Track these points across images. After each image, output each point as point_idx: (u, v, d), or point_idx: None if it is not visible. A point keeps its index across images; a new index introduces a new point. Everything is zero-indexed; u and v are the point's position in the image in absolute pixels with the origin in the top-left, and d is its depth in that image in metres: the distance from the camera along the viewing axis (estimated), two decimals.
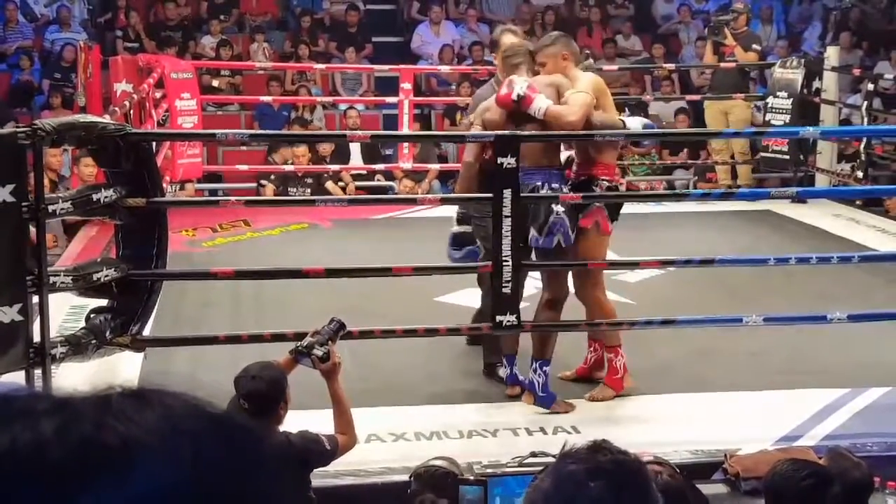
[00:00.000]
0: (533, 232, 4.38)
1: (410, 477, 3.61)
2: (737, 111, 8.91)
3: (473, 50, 11.57)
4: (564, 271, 4.60)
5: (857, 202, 8.63)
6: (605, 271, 4.93)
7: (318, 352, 3.36)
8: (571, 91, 4.46)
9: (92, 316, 4.14)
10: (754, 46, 9.03)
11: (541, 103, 4.36)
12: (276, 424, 3.19)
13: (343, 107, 10.39)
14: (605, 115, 4.55)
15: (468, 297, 5.75)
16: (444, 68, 10.69)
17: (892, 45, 12.26)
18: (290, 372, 3.41)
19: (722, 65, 10.04)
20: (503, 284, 4.27)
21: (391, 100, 9.07)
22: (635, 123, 4.91)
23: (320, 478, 3.58)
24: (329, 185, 8.93)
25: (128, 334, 4.13)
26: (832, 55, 9.16)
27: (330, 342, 3.40)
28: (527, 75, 4.58)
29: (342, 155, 9.42)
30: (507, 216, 4.21)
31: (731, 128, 8.60)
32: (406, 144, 8.90)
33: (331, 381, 3.40)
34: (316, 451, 3.30)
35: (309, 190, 8.81)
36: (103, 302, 4.20)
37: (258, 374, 3.23)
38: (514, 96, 4.40)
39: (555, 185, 4.47)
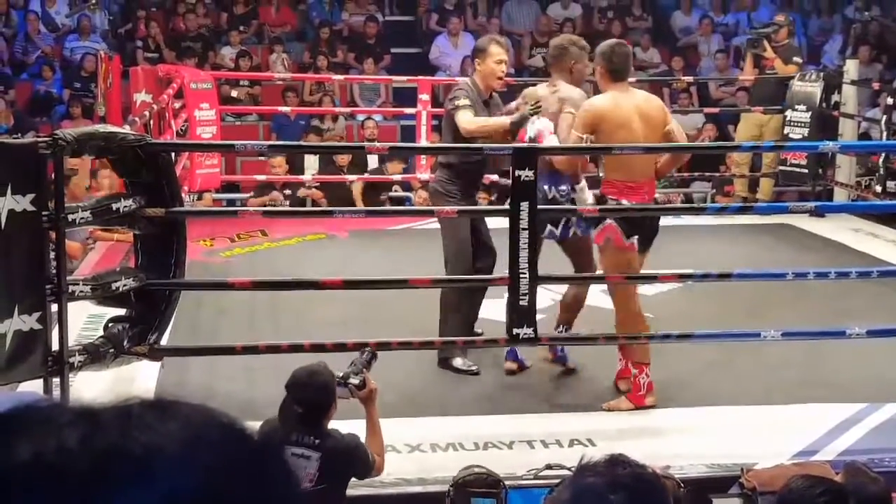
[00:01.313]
0: (549, 226, 4.61)
1: (451, 487, 3.54)
2: (772, 124, 8.87)
3: None
4: (589, 255, 4.86)
5: (876, 216, 8.58)
6: (622, 284, 4.91)
7: (355, 380, 3.54)
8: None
9: (110, 325, 4.16)
10: (795, 59, 8.98)
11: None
12: (327, 421, 3.41)
13: (361, 118, 10.42)
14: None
15: (485, 307, 5.75)
16: (463, 80, 10.71)
17: None
18: None
19: (741, 77, 10.03)
20: (520, 297, 4.27)
21: (409, 111, 9.09)
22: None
23: None
24: (301, 191, 8.93)
25: (145, 343, 4.15)
26: (851, 69, 9.12)
27: (364, 371, 3.57)
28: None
29: (360, 166, 9.45)
30: (524, 229, 4.21)
31: (765, 140, 8.56)
32: (424, 156, 8.91)
33: (368, 407, 3.58)
34: (362, 458, 3.46)
35: (289, 202, 8.84)
36: (121, 311, 4.22)
37: (308, 382, 3.42)
38: (526, 138, 4.78)
39: (562, 188, 4.79)
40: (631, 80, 10.06)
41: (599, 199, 4.69)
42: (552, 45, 5.15)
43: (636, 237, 4.60)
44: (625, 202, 4.59)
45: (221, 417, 0.66)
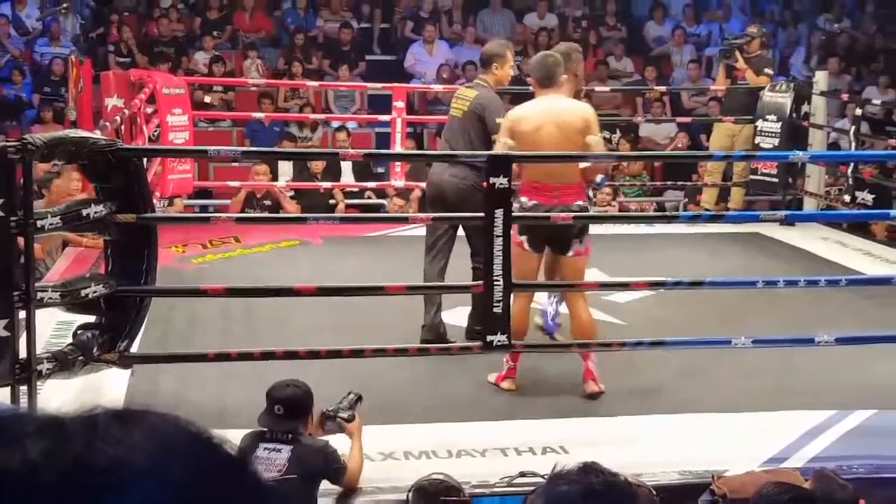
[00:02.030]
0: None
1: (409, 491, 3.61)
2: (743, 134, 8.93)
3: (467, 69, 11.62)
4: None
5: (844, 225, 8.67)
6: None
7: (344, 414, 3.86)
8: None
9: (79, 332, 4.12)
10: (766, 70, 9.04)
11: None
12: (305, 430, 3.68)
13: (335, 125, 10.42)
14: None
15: (460, 315, 5.75)
16: (438, 87, 10.73)
17: (881, 69, 12.37)
18: (316, 433, 3.84)
19: (713, 87, 10.12)
20: (494, 304, 4.28)
21: (384, 118, 9.09)
22: None
23: None
24: (287, 203, 8.89)
25: (115, 351, 4.11)
26: (821, 80, 9.22)
27: (351, 409, 3.89)
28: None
29: (334, 173, 9.44)
30: (498, 236, 4.22)
31: (737, 150, 8.63)
32: (398, 163, 8.92)
33: (354, 439, 3.86)
34: (334, 459, 3.68)
35: (267, 211, 8.81)
36: (91, 318, 4.18)
37: (293, 383, 3.71)
38: None
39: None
40: (605, 88, 10.15)
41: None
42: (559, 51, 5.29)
43: (526, 236, 4.84)
44: (523, 199, 4.82)
45: (190, 427, 0.65)
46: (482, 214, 4.29)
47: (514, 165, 4.62)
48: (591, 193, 5.61)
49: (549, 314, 5.41)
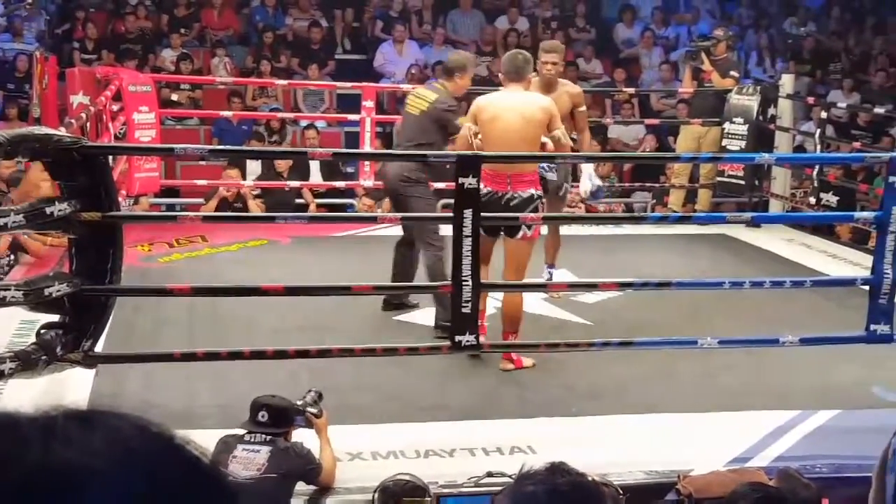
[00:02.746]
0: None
1: (375, 492, 3.61)
2: (710, 136, 8.99)
3: (437, 69, 11.62)
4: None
5: (809, 227, 8.76)
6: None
7: (314, 409, 3.91)
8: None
9: (43, 331, 4.07)
10: (732, 73, 9.10)
11: None
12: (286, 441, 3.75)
13: (303, 124, 10.37)
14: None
15: (428, 315, 5.75)
16: (407, 87, 10.71)
17: (846, 72, 12.51)
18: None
19: (680, 90, 10.18)
20: (463, 304, 4.27)
21: (353, 117, 9.07)
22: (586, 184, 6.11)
23: None
24: (251, 203, 8.83)
25: (79, 350, 4.07)
26: (787, 83, 9.31)
27: (316, 405, 3.95)
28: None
29: (302, 172, 9.39)
30: (467, 236, 4.21)
31: (703, 152, 8.68)
32: (367, 162, 8.89)
33: (322, 434, 3.92)
34: (310, 460, 3.75)
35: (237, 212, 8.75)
36: (55, 317, 4.13)
37: (277, 395, 3.83)
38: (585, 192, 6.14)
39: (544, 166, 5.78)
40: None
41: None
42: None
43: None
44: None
45: (152, 428, 0.64)
46: (451, 214, 4.29)
47: (477, 143, 5.12)
48: (590, 197, 6.31)
49: (546, 278, 6.29)
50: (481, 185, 4.77)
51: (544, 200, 5.41)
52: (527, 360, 5.23)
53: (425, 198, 5.89)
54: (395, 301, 6.05)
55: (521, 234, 5.13)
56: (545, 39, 12.42)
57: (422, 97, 5.97)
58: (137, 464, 0.61)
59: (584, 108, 6.40)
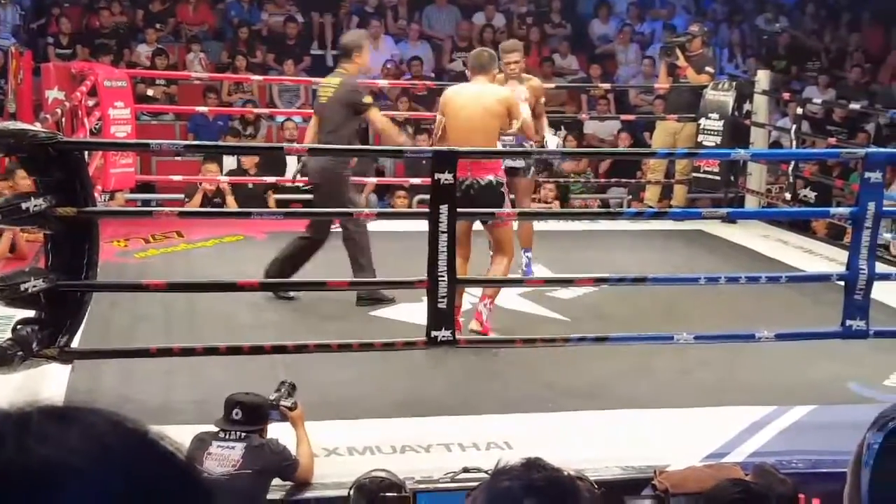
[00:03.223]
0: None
1: (350, 489, 3.62)
2: (685, 132, 9.03)
3: (412, 65, 11.60)
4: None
5: (785, 223, 8.83)
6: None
7: (287, 402, 3.90)
8: None
9: (19, 327, 4.05)
10: (707, 69, 9.13)
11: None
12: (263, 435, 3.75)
13: (280, 118, 10.33)
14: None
15: (403, 311, 5.75)
16: (383, 83, 10.71)
17: (822, 69, 12.59)
18: None
19: (656, 86, 10.22)
20: (439, 300, 4.28)
21: None
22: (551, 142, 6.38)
23: None
24: (230, 199, 8.79)
25: (55, 346, 4.05)
26: (762, 79, 9.36)
27: (290, 398, 3.92)
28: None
29: (278, 167, 9.35)
30: (443, 232, 4.22)
31: (678, 147, 8.72)
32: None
33: (298, 427, 3.92)
34: (285, 456, 3.75)
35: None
36: (31, 313, 4.11)
37: (247, 393, 3.80)
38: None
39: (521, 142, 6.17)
40: (549, 85, 10.24)
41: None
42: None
43: None
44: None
45: (127, 424, 0.64)
46: (426, 210, 4.29)
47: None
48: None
49: (524, 262, 6.67)
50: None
51: (504, 186, 5.56)
52: (493, 333, 5.47)
53: (347, 188, 6.24)
54: (370, 297, 6.07)
55: (491, 221, 5.52)
56: (520, 35, 12.53)
57: (328, 85, 6.25)
58: (113, 460, 0.61)
59: (543, 99, 6.75)
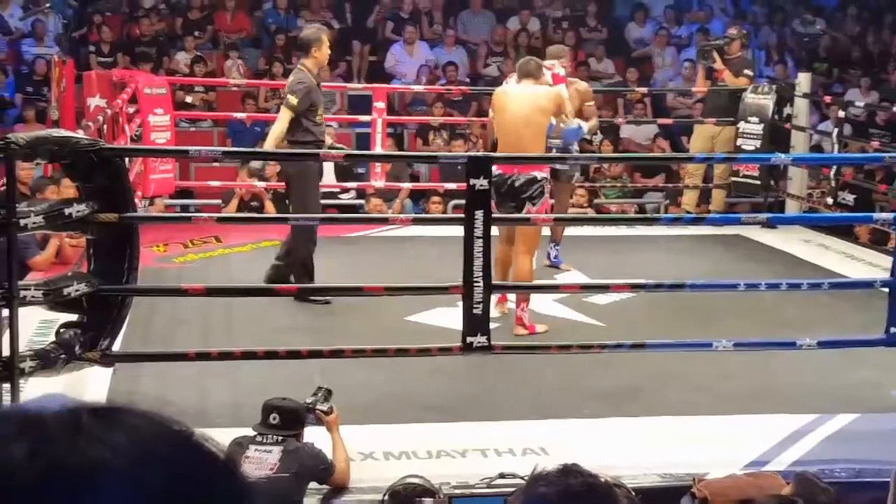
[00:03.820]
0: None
1: (385, 495, 3.63)
2: (724, 135, 8.96)
3: (447, 70, 11.62)
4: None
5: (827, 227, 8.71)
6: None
7: (323, 407, 3.94)
8: None
9: (62, 330, 4.11)
10: (745, 72, 9.05)
11: None
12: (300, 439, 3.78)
13: None
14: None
15: (439, 316, 5.76)
16: (418, 87, 10.74)
17: (865, 71, 12.45)
18: None
19: (694, 89, 10.16)
20: (474, 306, 4.28)
21: (364, 118, 9.09)
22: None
23: None
24: (268, 205, 8.84)
25: (97, 349, 4.10)
26: (803, 82, 9.27)
27: (326, 402, 3.96)
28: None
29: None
30: (478, 237, 4.22)
31: (717, 151, 8.66)
32: (379, 163, 8.91)
33: (333, 431, 3.94)
34: (321, 460, 3.78)
35: (254, 212, 8.75)
36: (73, 316, 4.17)
37: (284, 398, 3.83)
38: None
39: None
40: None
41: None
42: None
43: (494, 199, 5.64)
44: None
45: (172, 425, 0.65)
46: (462, 216, 4.30)
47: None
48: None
49: (552, 254, 6.99)
50: (495, 169, 5.27)
51: (549, 182, 5.83)
52: (540, 327, 5.68)
53: (312, 182, 6.32)
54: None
55: (525, 211, 5.71)
56: (556, 39, 12.50)
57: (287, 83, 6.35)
58: (158, 462, 0.62)
59: (591, 102, 7.05)
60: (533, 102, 5.79)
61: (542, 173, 5.71)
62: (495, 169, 5.40)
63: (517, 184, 5.62)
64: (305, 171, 6.20)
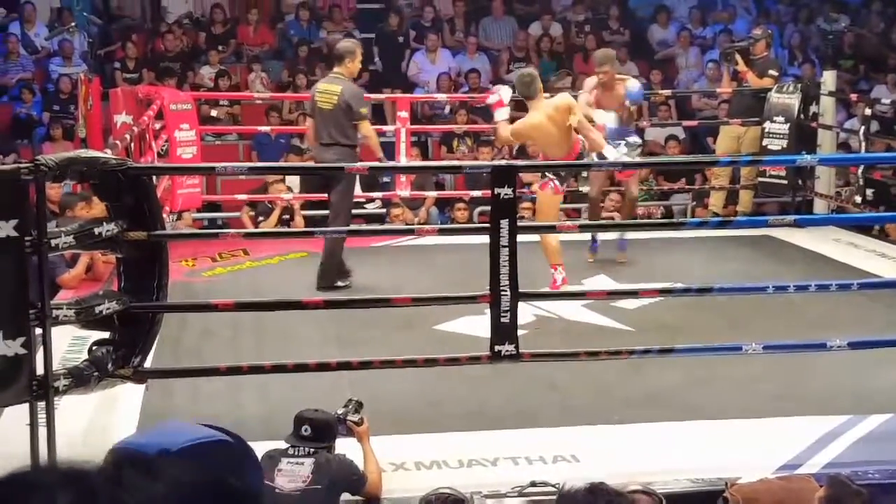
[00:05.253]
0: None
1: None
2: (749, 136, 8.92)
3: (470, 77, 11.64)
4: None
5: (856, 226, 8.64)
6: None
7: (354, 418, 3.97)
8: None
9: (94, 348, 4.15)
10: (770, 72, 9.00)
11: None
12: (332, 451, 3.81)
13: None
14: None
15: (467, 325, 5.77)
16: (441, 96, 10.76)
17: (889, 68, 12.34)
18: None
19: (719, 90, 10.11)
20: (502, 314, 4.29)
21: (388, 128, 9.12)
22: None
23: None
24: (298, 218, 8.86)
25: (129, 366, 4.14)
26: (828, 80, 9.20)
27: (356, 413, 4.00)
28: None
29: None
30: (504, 246, 4.23)
31: (743, 152, 8.62)
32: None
33: (364, 442, 3.98)
34: (354, 471, 3.82)
35: (285, 224, 8.78)
36: (105, 334, 4.21)
37: (316, 410, 3.86)
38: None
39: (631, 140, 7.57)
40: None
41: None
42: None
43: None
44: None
45: (212, 476, 0.67)
46: (487, 225, 4.31)
47: (533, 147, 7.17)
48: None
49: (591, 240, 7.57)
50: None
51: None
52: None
53: (350, 184, 6.91)
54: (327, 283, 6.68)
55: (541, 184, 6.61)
56: (578, 43, 12.49)
57: (329, 91, 6.73)
58: None
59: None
60: (551, 114, 6.48)
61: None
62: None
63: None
64: (352, 182, 6.75)
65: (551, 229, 6.12)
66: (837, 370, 5.10)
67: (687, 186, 10.04)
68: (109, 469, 0.65)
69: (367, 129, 6.72)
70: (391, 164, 6.10)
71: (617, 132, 7.34)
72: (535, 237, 6.55)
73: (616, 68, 7.73)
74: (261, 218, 8.80)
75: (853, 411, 4.66)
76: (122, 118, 7.93)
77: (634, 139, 7.70)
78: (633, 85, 7.61)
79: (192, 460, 0.67)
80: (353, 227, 8.27)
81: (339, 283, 6.69)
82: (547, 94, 6.77)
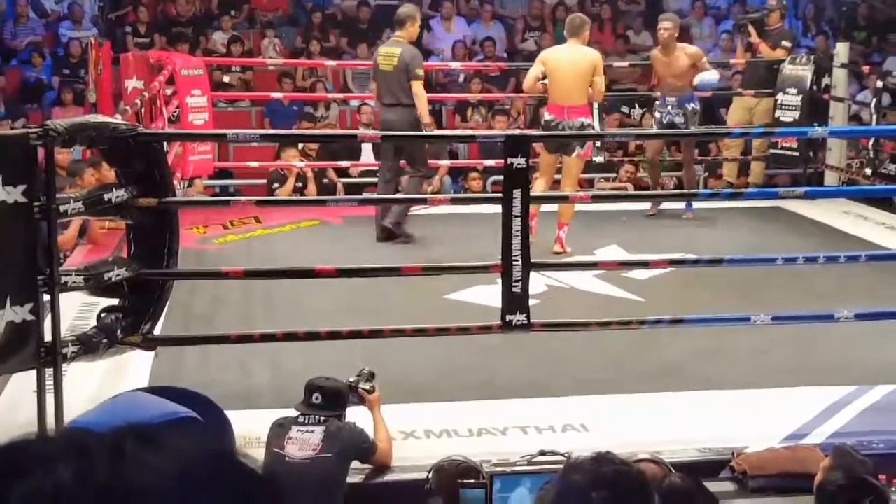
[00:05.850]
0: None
1: (430, 472, 3.66)
2: (761, 107, 8.86)
3: (485, 45, 11.58)
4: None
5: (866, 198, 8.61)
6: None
7: (366, 386, 3.98)
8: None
9: (103, 315, 4.16)
10: (784, 44, 8.91)
11: None
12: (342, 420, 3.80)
13: (355, 103, 10.41)
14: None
15: (478, 294, 5.78)
16: (456, 65, 10.71)
17: None
18: None
19: (732, 61, 10.04)
20: (513, 284, 4.29)
21: None
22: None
23: None
24: (311, 186, 8.86)
25: (139, 333, 4.16)
26: (841, 52, 9.13)
27: (368, 382, 4.01)
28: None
29: (353, 151, 9.44)
30: (517, 216, 4.23)
31: (755, 123, 8.58)
32: None
33: (375, 411, 3.99)
34: (363, 439, 3.81)
35: (299, 192, 8.77)
36: (114, 301, 4.23)
37: (328, 378, 3.85)
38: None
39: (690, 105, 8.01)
40: (623, 63, 10.32)
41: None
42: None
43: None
44: (546, 115, 7.00)
45: (216, 449, 0.67)
46: (500, 195, 4.31)
47: (540, 85, 7.04)
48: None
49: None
50: (547, 114, 6.89)
51: (592, 128, 6.89)
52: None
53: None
54: (387, 234, 7.06)
55: (574, 153, 6.83)
56: (594, 13, 12.39)
57: (390, 54, 7.07)
58: (200, 484, 0.64)
59: (704, 59, 8.16)
60: (576, 63, 6.80)
61: (588, 119, 6.73)
62: (547, 114, 6.93)
63: (565, 129, 6.64)
64: (416, 123, 6.97)
65: (564, 199, 6.38)
66: (845, 341, 5.10)
67: (700, 157, 9.98)
68: (112, 439, 0.65)
69: (418, 88, 7.00)
70: (405, 133, 6.14)
71: (683, 100, 7.90)
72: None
73: (678, 27, 8.29)
74: (275, 185, 8.80)
75: (860, 382, 4.67)
76: (132, 83, 7.92)
77: (694, 105, 8.02)
78: (713, 76, 7.99)
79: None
80: (367, 195, 8.29)
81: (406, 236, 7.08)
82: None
